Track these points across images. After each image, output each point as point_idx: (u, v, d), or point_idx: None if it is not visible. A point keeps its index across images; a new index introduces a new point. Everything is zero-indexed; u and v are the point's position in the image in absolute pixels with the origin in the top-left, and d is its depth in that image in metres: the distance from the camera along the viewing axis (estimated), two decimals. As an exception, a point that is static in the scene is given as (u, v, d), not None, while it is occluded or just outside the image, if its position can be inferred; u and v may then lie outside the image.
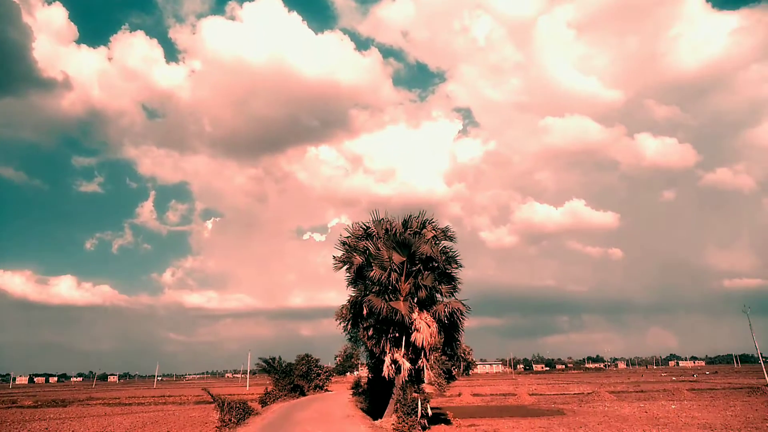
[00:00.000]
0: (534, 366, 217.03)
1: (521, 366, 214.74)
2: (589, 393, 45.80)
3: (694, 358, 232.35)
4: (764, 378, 60.50)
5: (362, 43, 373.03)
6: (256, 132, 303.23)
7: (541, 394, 47.84)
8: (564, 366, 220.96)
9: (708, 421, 24.61)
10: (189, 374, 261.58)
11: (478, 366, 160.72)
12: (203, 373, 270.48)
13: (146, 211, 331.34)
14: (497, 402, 41.10)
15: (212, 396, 23.77)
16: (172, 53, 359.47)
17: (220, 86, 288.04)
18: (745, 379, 68.54)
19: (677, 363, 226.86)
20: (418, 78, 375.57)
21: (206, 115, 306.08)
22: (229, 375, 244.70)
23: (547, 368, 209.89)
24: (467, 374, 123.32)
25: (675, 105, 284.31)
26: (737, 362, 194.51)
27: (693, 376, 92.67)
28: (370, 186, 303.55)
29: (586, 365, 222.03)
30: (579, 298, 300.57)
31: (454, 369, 72.32)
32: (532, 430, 23.26)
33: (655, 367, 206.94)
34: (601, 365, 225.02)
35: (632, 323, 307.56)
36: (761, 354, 74.48)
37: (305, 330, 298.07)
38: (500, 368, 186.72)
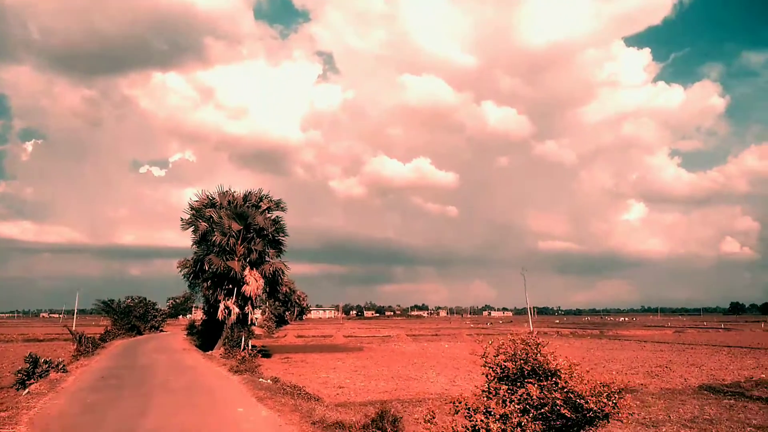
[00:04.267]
0: (365, 312, 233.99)
1: (354, 312, 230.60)
2: (392, 336, 55.70)
3: (504, 309, 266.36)
4: (528, 327, 76.58)
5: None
6: (94, 48, 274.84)
7: (354, 336, 56.83)
8: (392, 313, 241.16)
9: (456, 354, 34.27)
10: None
11: (313, 311, 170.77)
12: (13, 312, 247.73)
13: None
14: (315, 342, 48.90)
15: (71, 330, 27.92)
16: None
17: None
18: (522, 328, 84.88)
19: (490, 313, 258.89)
20: (281, 14, 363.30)
21: (35, 19, 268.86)
22: (45, 315, 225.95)
23: (377, 314, 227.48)
24: (301, 319, 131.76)
25: (519, 78, 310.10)
26: (535, 314, 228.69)
27: (487, 324, 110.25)
28: (221, 122, 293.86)
29: (411, 313, 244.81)
30: (415, 250, 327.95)
31: (287, 314, 79.35)
32: (331, 360, 30.63)
33: (469, 315, 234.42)
34: (425, 313, 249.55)
35: (458, 276, 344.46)
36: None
37: (135, 269, 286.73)
38: (333, 314, 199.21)
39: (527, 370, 6.19)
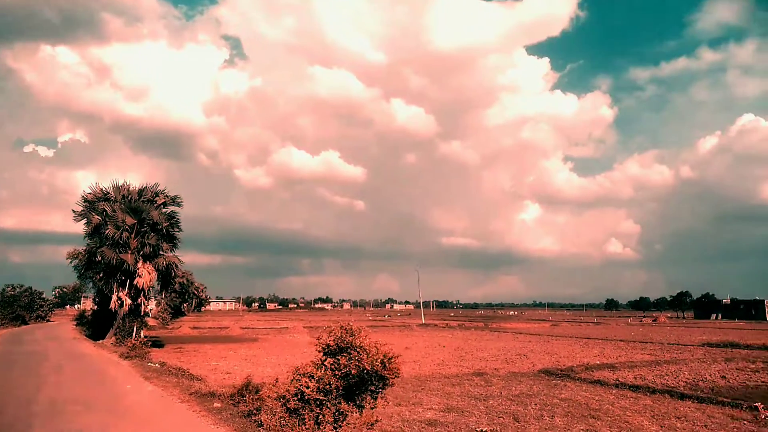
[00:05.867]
0: (268, 305, 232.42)
1: (256, 304, 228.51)
2: (289, 327, 57.55)
3: (407, 302, 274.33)
4: (421, 319, 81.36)
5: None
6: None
7: (251, 328, 58.01)
8: (296, 305, 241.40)
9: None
10: None
11: (213, 303, 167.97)
12: None
13: None
14: (211, 333, 49.74)
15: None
16: None
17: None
18: (417, 321, 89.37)
19: (392, 306, 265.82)
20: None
21: None
22: None
23: (280, 307, 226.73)
24: (199, 311, 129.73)
25: (427, 78, 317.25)
26: (434, 307, 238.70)
27: (385, 317, 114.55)
28: (118, 102, 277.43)
29: (315, 305, 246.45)
30: (322, 243, 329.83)
31: (185, 305, 78.59)
32: (224, 350, 32.03)
33: (372, 308, 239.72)
34: (329, 306, 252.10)
35: (364, 269, 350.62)
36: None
37: (16, 256, 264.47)
38: (234, 306, 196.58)
39: (343, 347, 8.70)
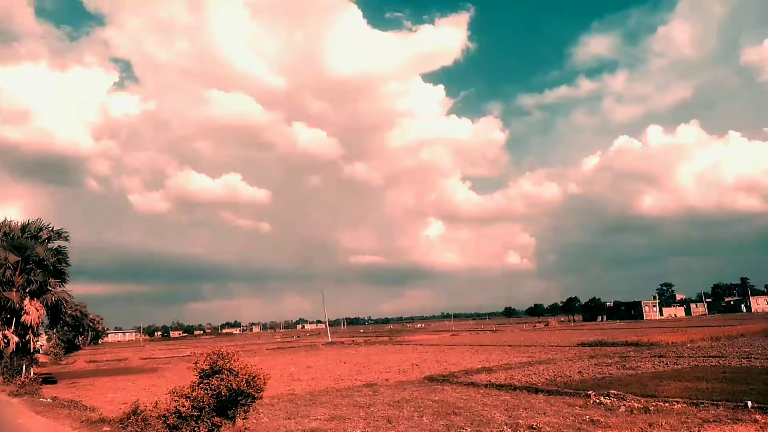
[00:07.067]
0: (172, 333, 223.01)
1: (159, 333, 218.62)
2: (191, 355, 56.91)
3: (318, 321, 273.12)
4: (328, 337, 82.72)
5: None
6: None
7: (152, 358, 56.85)
8: (202, 332, 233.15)
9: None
10: None
11: (111, 335, 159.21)
12: None
13: None
14: (109, 366, 48.45)
15: None
16: None
17: None
18: (326, 340, 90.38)
19: (303, 326, 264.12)
20: (70, 15, 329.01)
21: None
22: None
23: (185, 334, 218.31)
24: (96, 343, 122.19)
25: (328, 102, 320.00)
26: (344, 324, 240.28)
27: (294, 337, 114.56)
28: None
29: (222, 331, 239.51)
30: (227, 267, 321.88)
31: (80, 338, 74.67)
32: (122, 382, 31.91)
33: (283, 330, 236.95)
34: (237, 330, 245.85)
35: (273, 291, 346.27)
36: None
37: None
38: (135, 336, 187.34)
39: (216, 370, 10.33)
